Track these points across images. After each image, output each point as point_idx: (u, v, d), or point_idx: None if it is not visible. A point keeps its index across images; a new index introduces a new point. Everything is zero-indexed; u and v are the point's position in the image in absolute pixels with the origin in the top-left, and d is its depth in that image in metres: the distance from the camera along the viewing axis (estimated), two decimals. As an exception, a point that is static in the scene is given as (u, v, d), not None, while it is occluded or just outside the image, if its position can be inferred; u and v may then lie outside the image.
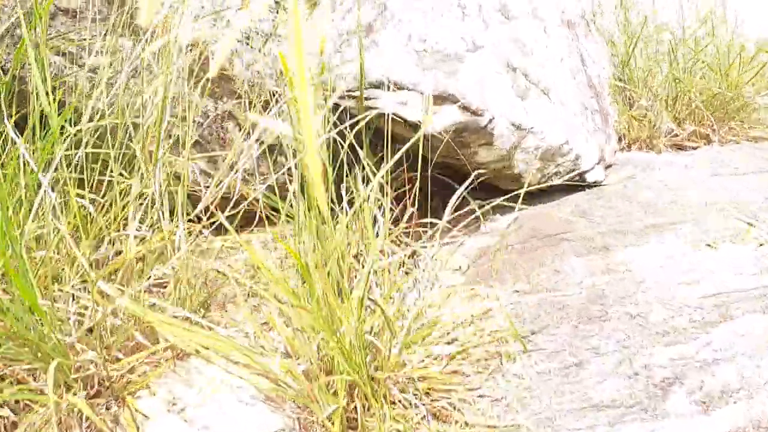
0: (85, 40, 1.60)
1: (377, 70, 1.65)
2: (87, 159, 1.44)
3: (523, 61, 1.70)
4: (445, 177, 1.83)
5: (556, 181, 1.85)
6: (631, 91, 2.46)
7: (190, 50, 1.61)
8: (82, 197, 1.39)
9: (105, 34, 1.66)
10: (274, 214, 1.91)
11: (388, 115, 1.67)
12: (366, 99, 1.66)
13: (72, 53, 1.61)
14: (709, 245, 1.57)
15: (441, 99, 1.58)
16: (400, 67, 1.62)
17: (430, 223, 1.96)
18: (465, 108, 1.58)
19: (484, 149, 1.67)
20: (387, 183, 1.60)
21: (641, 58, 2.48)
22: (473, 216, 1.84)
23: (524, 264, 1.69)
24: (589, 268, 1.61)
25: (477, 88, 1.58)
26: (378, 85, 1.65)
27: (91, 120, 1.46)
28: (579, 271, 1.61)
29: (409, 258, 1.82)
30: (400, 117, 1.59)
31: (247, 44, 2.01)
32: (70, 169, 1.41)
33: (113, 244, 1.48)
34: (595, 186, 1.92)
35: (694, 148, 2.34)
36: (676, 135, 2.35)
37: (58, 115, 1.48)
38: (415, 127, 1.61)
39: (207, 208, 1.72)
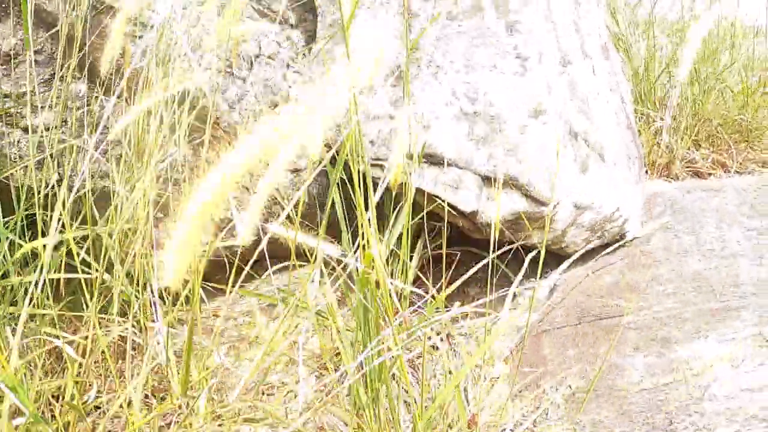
0: (25, 94, 1.15)
1: (405, 134, 1.31)
2: (52, 286, 1.05)
3: (584, 123, 1.40)
4: (475, 246, 1.55)
5: (601, 249, 1.61)
6: (649, 111, 2.22)
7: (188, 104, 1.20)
8: (56, 336, 1.02)
9: (52, 80, 1.20)
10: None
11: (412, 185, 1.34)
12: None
13: (10, 114, 1.16)
14: (772, 340, 1.41)
15: (499, 182, 1.27)
16: (447, 136, 1.29)
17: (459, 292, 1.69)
18: (529, 196, 1.28)
19: (538, 232, 1.38)
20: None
21: (658, 73, 2.22)
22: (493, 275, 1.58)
23: (576, 353, 1.47)
24: (649, 366, 1.41)
25: (542, 170, 1.28)
26: (414, 156, 1.31)
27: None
28: (638, 367, 1.41)
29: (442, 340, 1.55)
30: (450, 205, 1.27)
31: (230, 73, 1.60)
32: (31, 299, 1.02)
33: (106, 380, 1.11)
34: (632, 242, 1.70)
35: (711, 174, 2.16)
36: (694, 160, 2.15)
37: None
38: (459, 210, 1.30)
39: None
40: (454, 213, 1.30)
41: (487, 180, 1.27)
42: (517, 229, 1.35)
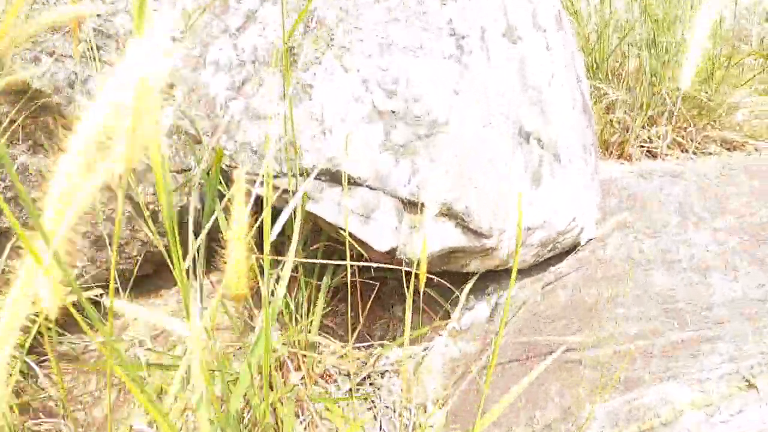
0: None
1: (309, 143, 0.90)
2: None
3: (537, 119, 1.02)
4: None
5: (554, 259, 1.26)
6: (601, 84, 1.85)
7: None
8: None
9: None
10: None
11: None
12: (289, 192, 0.92)
13: None
14: (748, 382, 1.10)
15: (426, 211, 0.88)
16: (355, 144, 0.88)
17: (387, 323, 1.32)
18: (467, 227, 0.89)
19: (477, 261, 1.01)
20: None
21: (614, 42, 1.84)
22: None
23: (523, 395, 1.15)
24: (609, 413, 1.10)
25: (484, 191, 0.89)
26: (313, 172, 0.90)
27: None
28: (598, 416, 1.09)
29: (364, 377, 1.19)
30: (358, 239, 0.88)
31: (91, 58, 1.15)
32: None
33: None
34: (587, 245, 1.36)
35: (667, 154, 1.82)
36: (649, 139, 1.80)
37: None
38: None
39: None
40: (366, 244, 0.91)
41: (409, 204, 0.88)
42: (449, 260, 0.98)
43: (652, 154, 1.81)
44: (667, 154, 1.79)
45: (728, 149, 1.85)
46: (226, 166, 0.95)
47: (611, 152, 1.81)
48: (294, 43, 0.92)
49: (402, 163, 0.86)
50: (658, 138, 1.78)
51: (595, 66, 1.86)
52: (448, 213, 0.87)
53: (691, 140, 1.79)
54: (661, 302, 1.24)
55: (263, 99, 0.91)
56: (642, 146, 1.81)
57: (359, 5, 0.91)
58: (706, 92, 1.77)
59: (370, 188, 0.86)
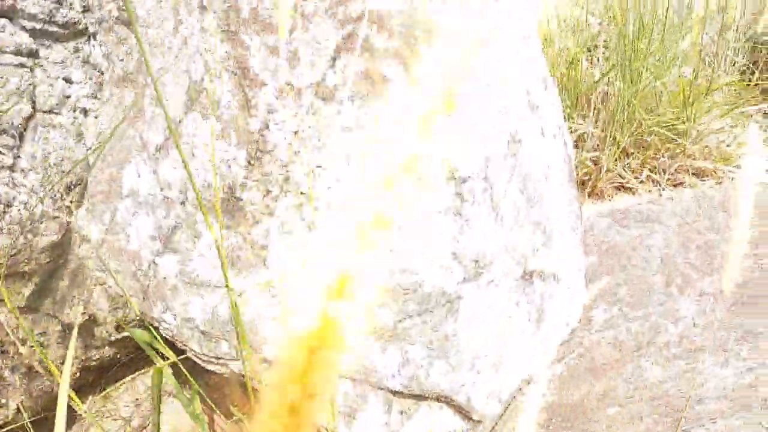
0: None
1: (269, 329, 0.68)
2: None
3: (539, 245, 0.82)
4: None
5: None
6: (568, 107, 1.66)
7: None
8: None
9: None
10: None
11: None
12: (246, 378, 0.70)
13: None
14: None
15: (418, 398, 0.69)
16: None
17: None
18: (468, 417, 0.71)
19: (474, 417, 0.84)
20: None
21: (585, 68, 1.65)
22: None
23: None
24: None
25: (488, 371, 0.70)
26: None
27: None
28: None
29: None
30: (339, 452, 0.68)
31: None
32: None
33: None
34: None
35: (639, 186, 1.69)
36: (621, 175, 1.65)
37: None
38: None
39: None
40: None
41: (398, 393, 0.68)
42: (444, 429, 0.80)
43: (623, 187, 1.67)
44: (639, 187, 1.66)
45: (695, 174, 1.73)
46: (170, 336, 0.72)
47: (582, 191, 1.65)
48: (235, 182, 0.68)
49: (390, 351, 0.65)
50: (632, 172, 1.63)
51: (564, 97, 1.67)
52: (447, 402, 0.68)
53: (664, 171, 1.66)
54: (653, 398, 1.13)
55: (203, 260, 0.68)
56: (612, 181, 1.66)
57: (321, 130, 0.67)
58: (683, 122, 1.62)
59: (353, 380, 0.66)
